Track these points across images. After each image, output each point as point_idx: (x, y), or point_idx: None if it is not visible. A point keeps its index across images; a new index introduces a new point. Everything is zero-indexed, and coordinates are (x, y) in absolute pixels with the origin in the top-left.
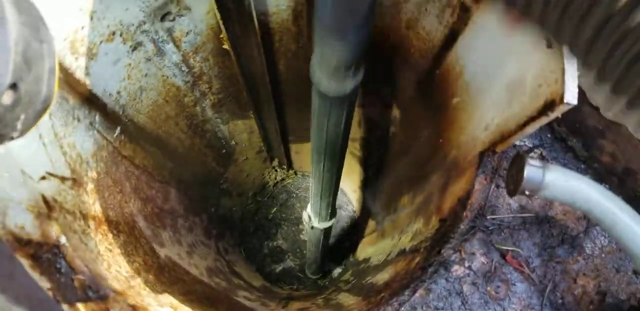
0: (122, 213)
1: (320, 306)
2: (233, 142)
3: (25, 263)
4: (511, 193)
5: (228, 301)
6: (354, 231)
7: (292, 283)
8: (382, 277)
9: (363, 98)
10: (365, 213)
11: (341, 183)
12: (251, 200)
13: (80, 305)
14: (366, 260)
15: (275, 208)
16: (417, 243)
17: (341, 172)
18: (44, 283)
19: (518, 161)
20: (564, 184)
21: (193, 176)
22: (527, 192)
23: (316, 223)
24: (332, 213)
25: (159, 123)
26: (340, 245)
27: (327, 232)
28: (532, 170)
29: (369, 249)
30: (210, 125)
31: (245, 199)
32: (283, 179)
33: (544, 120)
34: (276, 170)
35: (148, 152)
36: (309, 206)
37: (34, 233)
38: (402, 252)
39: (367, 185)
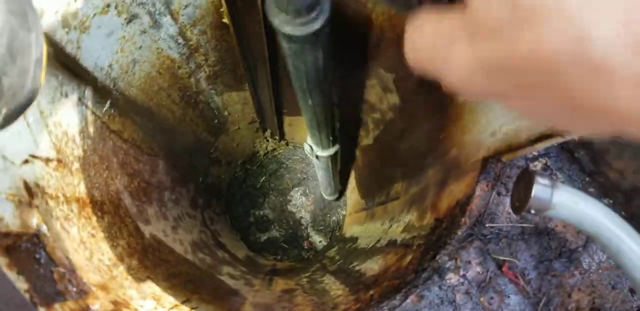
0: (107, 191)
1: (305, 289)
2: (226, 113)
3: (1, 261)
4: (516, 211)
5: (212, 282)
6: (342, 205)
7: (276, 253)
8: (371, 267)
9: (362, 80)
10: (354, 190)
11: None
12: (240, 168)
13: (57, 306)
14: (353, 239)
15: (263, 178)
16: (410, 238)
17: (333, 104)
18: (22, 284)
19: (526, 178)
20: (572, 206)
21: (182, 146)
22: (532, 211)
23: (320, 152)
24: (334, 141)
25: (150, 95)
26: (326, 219)
27: (333, 157)
28: (540, 189)
29: (356, 227)
30: (204, 96)
31: (234, 167)
32: (274, 149)
33: (558, 140)
34: (267, 140)
35: (138, 125)
36: (308, 138)
37: (13, 224)
38: (393, 243)
39: (359, 164)
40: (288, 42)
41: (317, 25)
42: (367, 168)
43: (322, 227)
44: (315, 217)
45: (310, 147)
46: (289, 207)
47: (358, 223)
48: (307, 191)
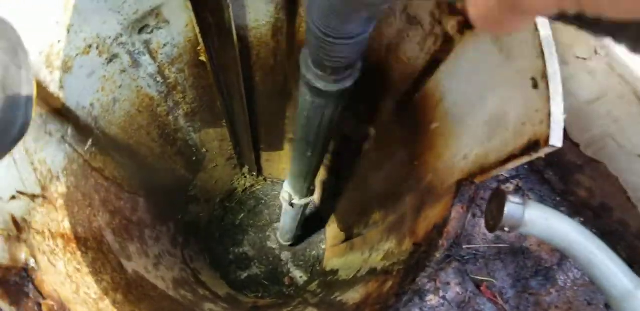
0: (90, 228)
1: None
2: (204, 150)
3: None
4: (491, 229)
5: None
6: (322, 240)
7: (257, 291)
8: (353, 296)
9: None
10: (333, 222)
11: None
12: (218, 205)
13: None
14: (334, 272)
15: (242, 215)
16: (390, 265)
17: (325, 153)
18: None
19: (498, 197)
20: (543, 222)
21: (162, 184)
22: (506, 229)
23: (296, 200)
24: (312, 190)
25: (130, 133)
26: (306, 254)
27: (305, 207)
28: (512, 207)
29: (336, 260)
30: (182, 133)
31: (213, 205)
32: (252, 185)
33: (526, 159)
34: (245, 177)
35: (118, 163)
36: (286, 185)
37: (3, 258)
38: (374, 271)
39: (337, 197)
40: (315, 96)
41: (348, 83)
42: (345, 200)
43: (302, 262)
44: (295, 253)
45: (289, 194)
46: (268, 243)
47: (338, 255)
48: None
